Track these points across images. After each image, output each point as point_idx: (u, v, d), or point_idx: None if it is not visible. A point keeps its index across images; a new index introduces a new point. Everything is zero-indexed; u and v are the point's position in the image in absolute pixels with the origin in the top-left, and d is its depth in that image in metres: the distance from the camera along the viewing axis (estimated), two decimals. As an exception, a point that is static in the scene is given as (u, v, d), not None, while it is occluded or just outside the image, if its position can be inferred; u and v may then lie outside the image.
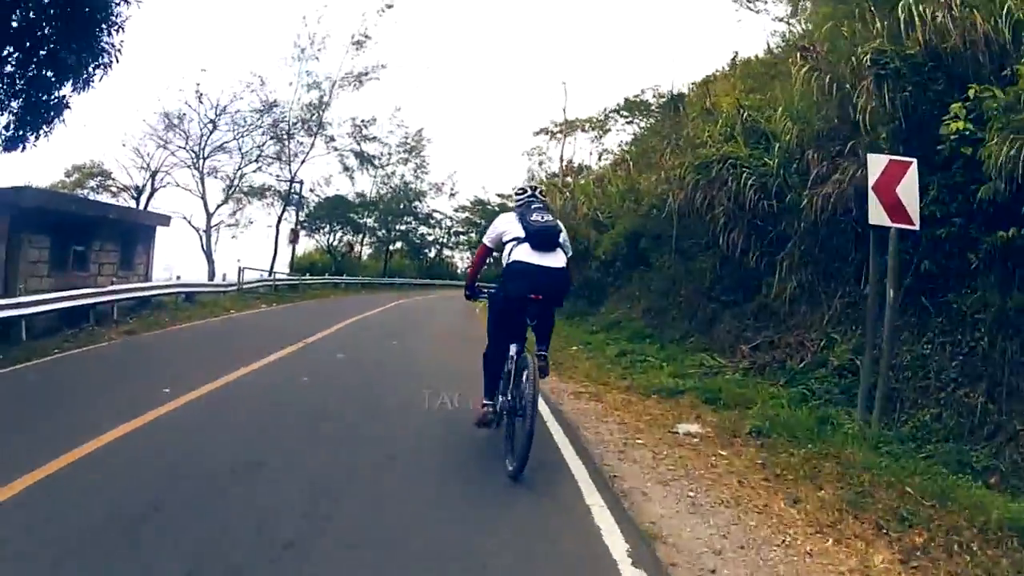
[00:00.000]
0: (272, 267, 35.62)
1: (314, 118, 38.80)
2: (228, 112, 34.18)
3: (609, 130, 40.56)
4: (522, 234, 5.85)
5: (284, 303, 26.96)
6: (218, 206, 34.83)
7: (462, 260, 60.65)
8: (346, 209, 46.76)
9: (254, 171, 37.18)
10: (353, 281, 43.61)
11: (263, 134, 35.80)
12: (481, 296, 6.68)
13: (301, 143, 38.89)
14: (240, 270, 27.14)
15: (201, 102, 33.23)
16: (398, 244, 55.98)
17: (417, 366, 12.13)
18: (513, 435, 5.75)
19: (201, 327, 17.13)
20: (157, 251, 23.33)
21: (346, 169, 42.77)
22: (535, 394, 5.44)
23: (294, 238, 34.79)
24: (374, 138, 43.62)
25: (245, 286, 27.24)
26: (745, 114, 13.73)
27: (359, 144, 42.89)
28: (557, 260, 5.85)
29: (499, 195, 61.67)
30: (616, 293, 21.41)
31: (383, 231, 52.37)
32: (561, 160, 30.42)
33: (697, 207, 13.85)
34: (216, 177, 35.73)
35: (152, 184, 32.12)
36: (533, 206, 6.08)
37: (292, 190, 38.59)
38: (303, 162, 39.36)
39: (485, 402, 6.21)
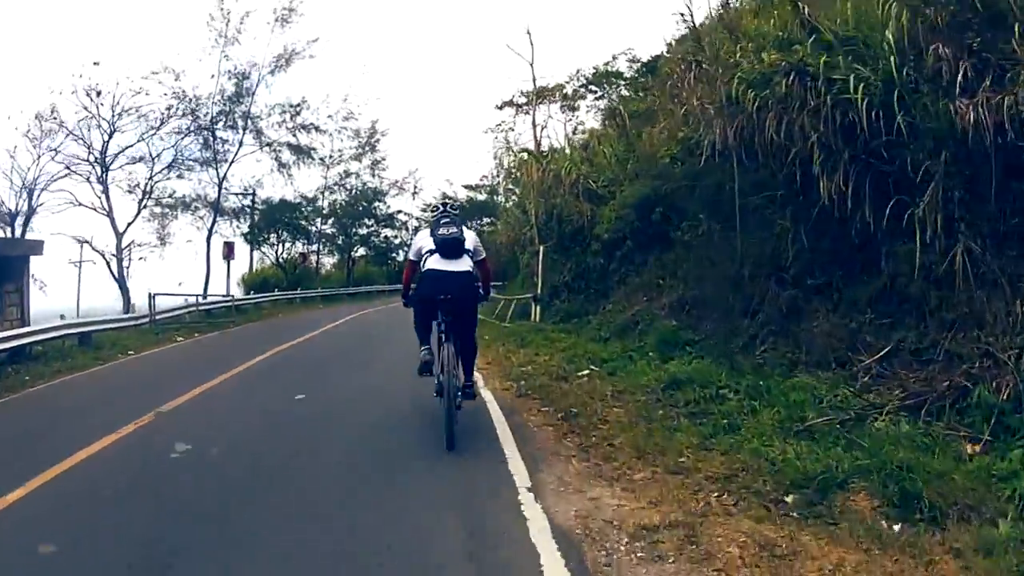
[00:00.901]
0: (205, 289, 30.33)
1: (239, 110, 33.54)
2: (131, 111, 28.44)
3: (577, 108, 36.19)
4: (433, 246, 6.90)
5: (212, 331, 22.31)
6: (128, 224, 28.82)
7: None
8: (292, 215, 41.43)
9: (173, 178, 31.53)
10: (310, 295, 38.57)
11: (179, 133, 30.20)
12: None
13: (226, 141, 33.73)
14: (151, 298, 22.15)
15: (92, 100, 27.38)
16: (361, 250, 50.74)
17: (313, 460, 6.69)
18: (449, 412, 6.56)
19: (70, 383, 12.37)
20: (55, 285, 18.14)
21: (282, 167, 37.16)
22: (451, 374, 6.65)
23: (228, 252, 29.70)
24: (311, 126, 37.87)
25: (160, 316, 22.12)
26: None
27: (294, 135, 37.43)
28: (462, 265, 6.88)
29: (466, 187, 57.14)
30: (625, 283, 16.55)
31: (342, 237, 47.15)
32: (534, 126, 25.37)
33: (768, 140, 9.02)
34: (127, 190, 30.03)
35: (29, 204, 26.15)
36: (442, 220, 6.99)
37: (221, 197, 33.36)
38: (231, 163, 34.13)
39: (422, 347, 7.23)
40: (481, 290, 7.24)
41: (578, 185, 18.55)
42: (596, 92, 35.21)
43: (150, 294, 22.35)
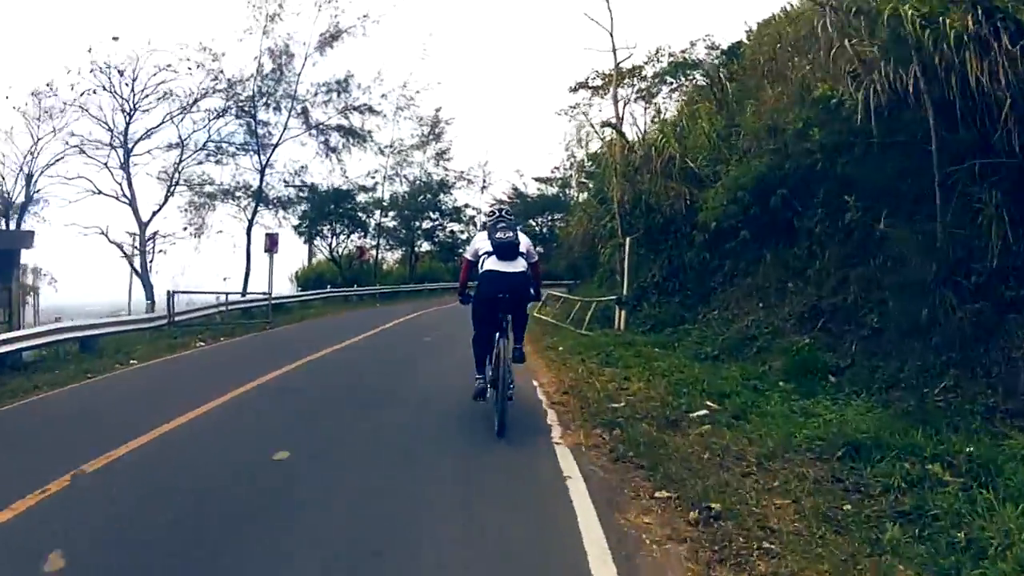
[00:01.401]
0: (245, 286, 27.75)
1: (282, 89, 30.86)
2: (157, 91, 25.88)
3: (656, 93, 32.64)
4: (490, 248, 7.38)
5: (241, 335, 19.60)
6: (154, 213, 26.73)
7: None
8: (347, 205, 39.01)
9: (208, 164, 29.13)
10: (368, 291, 35.97)
11: (214, 115, 27.60)
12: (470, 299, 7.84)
13: (268, 123, 31.04)
14: (170, 296, 19.50)
15: (109, 78, 24.86)
16: (424, 245, 47.97)
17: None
18: (500, 403, 7.07)
19: (18, 411, 9.40)
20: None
21: (331, 151, 34.20)
22: (508, 368, 7.17)
23: (270, 245, 27.03)
24: (365, 108, 34.64)
25: (186, 316, 19.60)
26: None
27: (346, 116, 34.13)
28: (517, 266, 7.35)
29: (536, 179, 54.05)
30: (731, 284, 13.24)
31: (403, 230, 44.49)
32: (615, 101, 21.62)
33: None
34: (157, 177, 27.48)
35: (27, 192, 23.88)
36: (499, 225, 7.49)
37: (265, 185, 30.87)
38: (275, 147, 31.75)
39: (477, 376, 7.65)
40: (533, 290, 7.73)
41: (672, 165, 15.13)
42: (672, 84, 31.78)
43: (169, 292, 19.90)
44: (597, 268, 27.75)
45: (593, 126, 18.56)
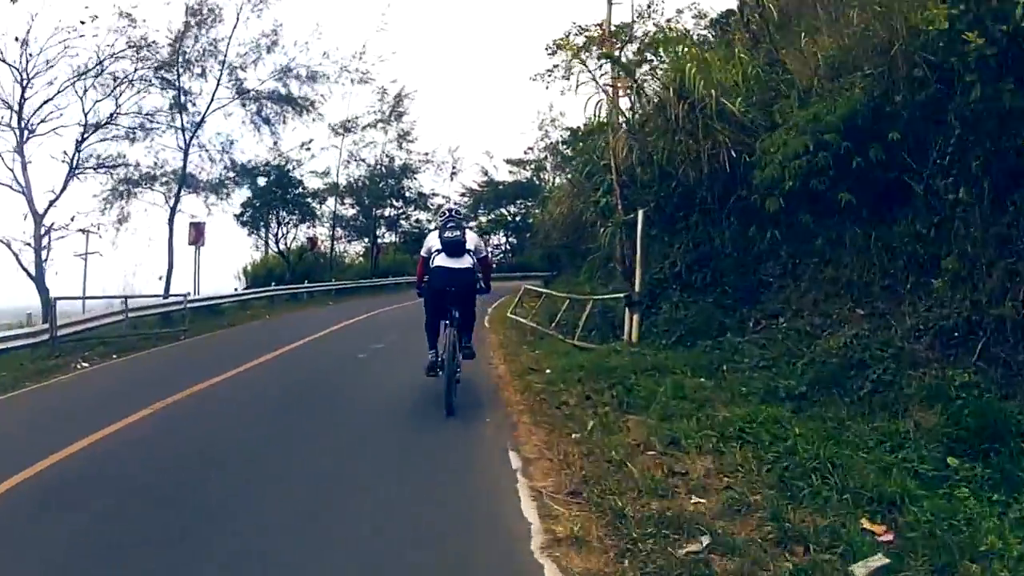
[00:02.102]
0: (167, 287, 23.08)
1: (206, 49, 25.69)
2: (60, 56, 21.10)
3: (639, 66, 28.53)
4: (440, 246, 8.13)
5: (145, 349, 15.55)
6: (51, 203, 20.92)
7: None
8: (293, 189, 34.52)
9: (115, 142, 23.74)
10: (320, 288, 31.68)
11: (122, 82, 22.75)
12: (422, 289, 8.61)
13: (189, 93, 25.80)
14: (51, 304, 15.14)
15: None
16: (389, 236, 43.73)
17: None
18: (449, 385, 7.80)
19: None
20: None
21: (266, 123, 28.88)
22: (453, 355, 7.84)
23: (196, 237, 22.68)
24: (304, 70, 29.41)
25: (71, 329, 15.36)
26: None
27: (283, 83, 28.79)
28: (464, 263, 8.06)
29: (508, 162, 50.02)
30: (792, 279, 9.38)
31: (362, 219, 40.32)
32: (608, 20, 16.14)
33: None
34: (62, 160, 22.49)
35: None
36: (448, 225, 8.14)
37: (190, 165, 25.69)
38: (201, 121, 26.27)
39: (429, 351, 8.36)
40: (482, 283, 8.49)
41: (699, 113, 10.89)
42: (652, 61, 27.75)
43: (50, 300, 15.46)
44: (583, 257, 23.95)
45: (586, 67, 13.79)
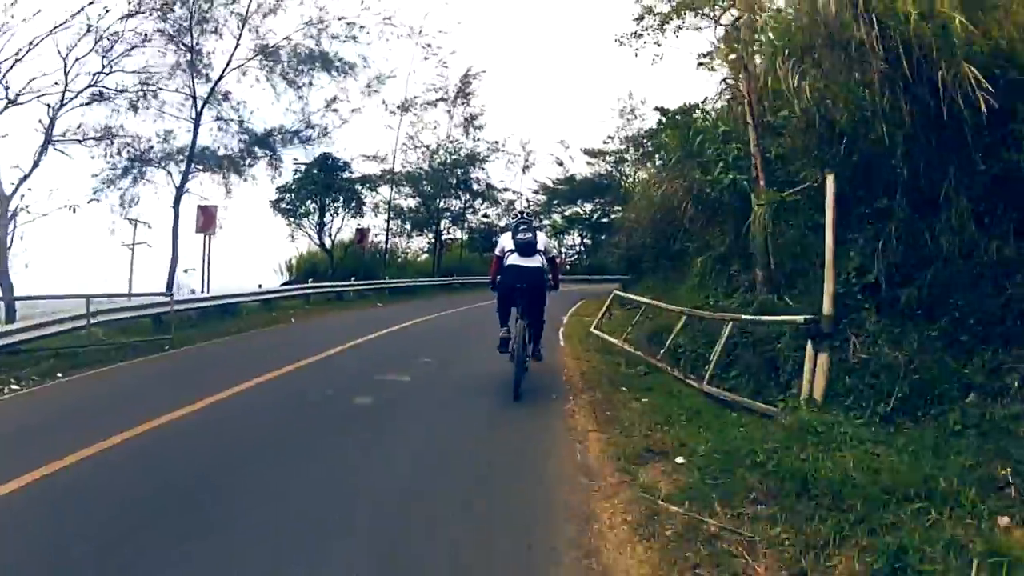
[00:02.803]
0: (171, 282, 19.12)
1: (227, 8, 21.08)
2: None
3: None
4: (513, 246, 8.76)
5: (124, 361, 12.24)
6: (23, 178, 16.19)
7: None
8: (340, 174, 30.37)
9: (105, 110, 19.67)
10: (368, 287, 27.91)
11: (115, 38, 18.37)
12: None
13: (200, 51, 21.00)
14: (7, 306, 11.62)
15: None
16: (453, 231, 40.05)
17: None
18: (518, 370, 8.42)
19: None
20: None
21: (294, 87, 23.77)
22: (522, 347, 8.41)
23: (205, 223, 18.74)
24: (347, 32, 24.48)
25: (28, 335, 11.93)
26: None
27: (316, 41, 23.92)
28: (534, 262, 8.68)
29: (586, 152, 46.05)
30: None
31: (423, 210, 36.64)
32: None
33: None
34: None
35: None
36: (520, 227, 8.82)
37: (197, 138, 20.81)
38: (215, 84, 21.50)
39: (502, 328, 8.84)
40: (551, 282, 9.11)
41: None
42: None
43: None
44: (673, 258, 19.71)
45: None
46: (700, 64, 18.69)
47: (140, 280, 19.71)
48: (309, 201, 29.45)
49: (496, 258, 9.20)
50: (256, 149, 23.77)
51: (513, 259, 8.73)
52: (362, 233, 31.25)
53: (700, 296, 12.17)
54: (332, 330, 16.18)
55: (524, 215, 9.84)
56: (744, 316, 8.82)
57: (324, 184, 29.12)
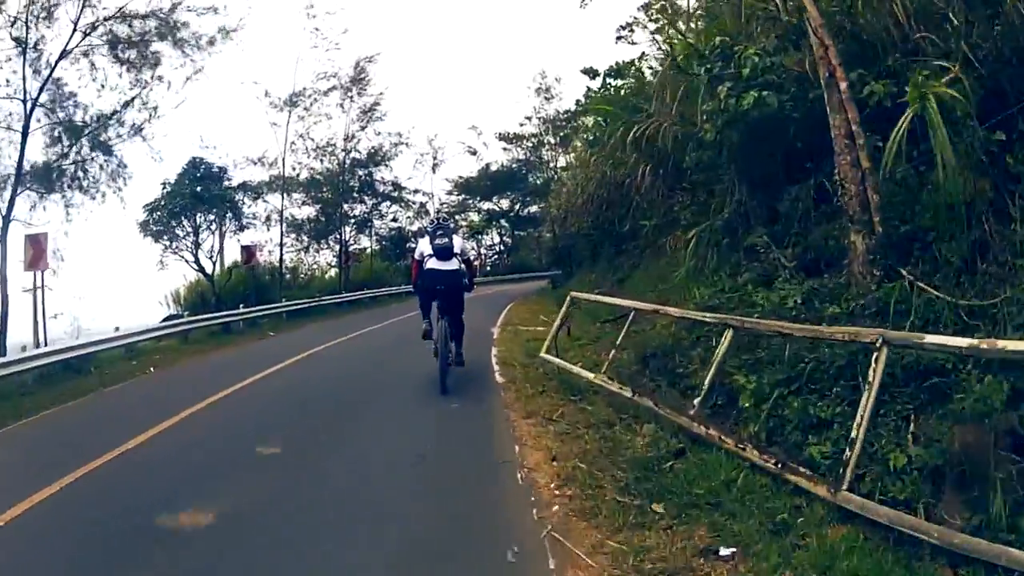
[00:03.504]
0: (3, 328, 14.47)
1: None
2: None
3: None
4: (431, 251, 9.22)
5: None
6: None
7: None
8: (214, 185, 25.31)
9: None
10: (262, 312, 23.26)
11: None
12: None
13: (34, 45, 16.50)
14: None
15: None
16: (359, 240, 36.64)
17: None
18: (442, 364, 9.02)
19: None
20: None
21: (134, 69, 18.55)
22: (445, 343, 9.09)
23: (35, 258, 14.11)
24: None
25: None
26: None
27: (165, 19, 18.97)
28: (451, 265, 9.20)
29: (501, 138, 43.06)
30: None
31: (322, 219, 32.48)
32: None
33: None
34: None
35: None
36: (437, 232, 9.30)
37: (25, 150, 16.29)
38: (51, 72, 16.73)
39: (424, 321, 9.70)
40: (467, 281, 9.57)
41: None
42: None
43: None
44: (619, 243, 17.66)
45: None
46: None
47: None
48: (183, 218, 24.47)
49: (416, 261, 9.75)
50: (94, 154, 18.92)
51: (432, 263, 9.25)
52: (249, 251, 26.49)
53: (704, 289, 8.42)
54: (195, 380, 12.15)
55: (440, 221, 10.74)
56: (924, 336, 4.33)
57: (193, 195, 24.14)
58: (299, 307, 25.15)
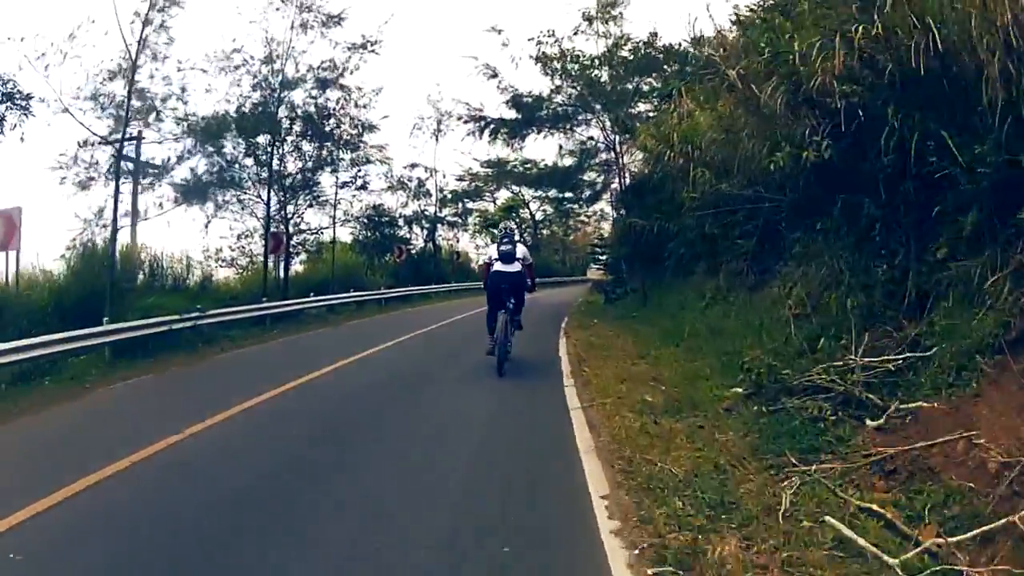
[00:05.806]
0: None
1: None
2: None
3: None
4: (497, 255, 10.50)
5: None
6: None
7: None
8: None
9: None
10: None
11: None
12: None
13: None
14: None
15: None
16: (302, 219, 23.80)
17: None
18: (501, 354, 10.10)
19: None
20: None
21: None
22: (507, 332, 10.18)
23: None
24: None
25: None
26: None
27: None
28: (514, 267, 10.42)
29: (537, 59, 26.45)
30: None
31: (282, 209, 21.85)
32: None
33: None
34: None
35: None
36: (503, 240, 10.55)
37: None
38: None
39: (489, 338, 10.52)
40: (528, 282, 10.85)
41: None
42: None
43: None
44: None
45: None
46: None
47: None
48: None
49: (486, 264, 11.28)
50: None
51: (497, 266, 10.55)
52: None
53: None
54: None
55: (507, 230, 11.66)
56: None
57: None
58: (234, 316, 15.74)
